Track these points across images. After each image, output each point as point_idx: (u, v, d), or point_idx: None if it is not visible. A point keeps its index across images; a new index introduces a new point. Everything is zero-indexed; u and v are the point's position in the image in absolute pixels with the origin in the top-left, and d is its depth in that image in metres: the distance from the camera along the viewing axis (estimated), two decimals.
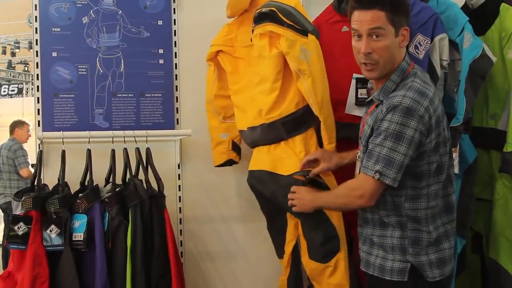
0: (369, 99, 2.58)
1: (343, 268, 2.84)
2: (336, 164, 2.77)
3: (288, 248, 3.04)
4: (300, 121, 2.85)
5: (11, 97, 17.25)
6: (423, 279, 2.40)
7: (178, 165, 3.38)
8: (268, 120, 2.88)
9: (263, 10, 2.81)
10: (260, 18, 2.83)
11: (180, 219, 3.39)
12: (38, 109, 3.21)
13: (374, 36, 2.35)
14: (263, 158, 2.95)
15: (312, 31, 2.79)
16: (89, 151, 3.05)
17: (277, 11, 2.77)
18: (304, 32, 2.77)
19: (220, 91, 3.17)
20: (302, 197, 2.68)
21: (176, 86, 3.38)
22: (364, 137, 2.47)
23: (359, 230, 2.58)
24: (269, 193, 2.93)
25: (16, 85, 17.65)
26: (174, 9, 3.39)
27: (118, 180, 3.04)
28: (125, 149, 3.07)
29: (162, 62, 3.36)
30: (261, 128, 2.92)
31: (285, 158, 2.86)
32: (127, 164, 3.06)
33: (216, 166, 3.22)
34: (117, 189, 2.96)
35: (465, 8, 3.22)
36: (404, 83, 2.39)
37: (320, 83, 2.77)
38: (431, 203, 2.40)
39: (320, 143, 2.87)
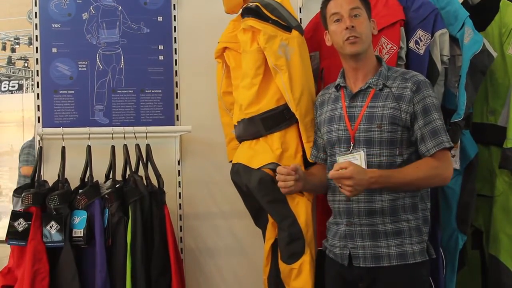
0: (359, 88, 2.59)
1: (308, 271, 2.80)
2: (304, 185, 2.65)
3: (266, 246, 3.02)
4: (279, 117, 2.85)
5: (12, 93, 17.23)
6: (430, 257, 2.55)
7: (178, 162, 3.38)
8: (247, 116, 2.89)
9: (249, 5, 2.85)
10: (245, 13, 2.86)
11: (180, 215, 3.39)
12: (38, 105, 3.21)
13: (354, 16, 2.55)
14: (243, 152, 2.95)
15: (296, 27, 2.81)
16: (89, 147, 3.05)
17: (261, 6, 2.80)
18: (287, 27, 2.80)
19: (228, 88, 3.16)
20: (359, 183, 2.34)
21: (176, 82, 3.38)
22: (380, 118, 2.50)
23: (353, 228, 2.54)
24: (243, 185, 2.93)
25: (17, 81, 17.62)
26: (174, 5, 3.39)
27: (118, 177, 3.04)
28: (125, 145, 3.07)
29: (162, 59, 3.36)
30: (243, 123, 2.93)
31: (261, 153, 2.86)
32: (127, 161, 3.06)
33: (230, 162, 3.20)
34: (117, 186, 2.97)
35: (465, 3, 3.21)
36: (397, 69, 2.66)
37: (299, 79, 2.78)
38: None
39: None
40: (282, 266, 2.86)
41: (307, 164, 2.88)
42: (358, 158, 2.47)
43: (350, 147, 2.54)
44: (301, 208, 2.82)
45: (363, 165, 2.44)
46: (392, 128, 2.49)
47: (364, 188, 2.37)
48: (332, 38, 2.63)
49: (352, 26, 2.52)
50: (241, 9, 2.93)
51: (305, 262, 2.80)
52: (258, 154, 2.87)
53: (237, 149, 3.06)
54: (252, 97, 2.86)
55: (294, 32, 2.81)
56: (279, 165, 2.75)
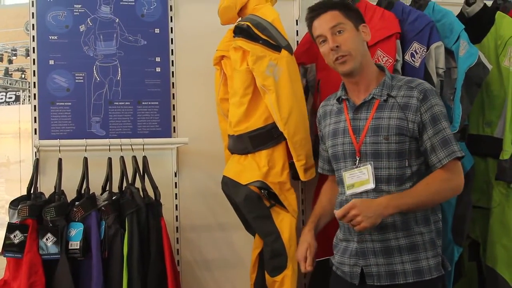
0: (363, 100, 2.51)
1: (289, 285, 2.86)
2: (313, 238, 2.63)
3: (253, 255, 3.08)
4: (267, 136, 2.89)
5: (9, 104, 17.22)
6: (446, 270, 2.48)
7: (175, 173, 3.38)
8: (236, 133, 2.94)
9: (240, 24, 2.89)
10: (236, 33, 2.90)
11: (177, 227, 3.38)
12: (35, 117, 3.20)
13: (337, 33, 2.47)
14: (233, 166, 2.99)
15: (285, 46, 2.85)
16: (85, 159, 3.04)
17: (251, 26, 2.84)
18: (277, 47, 2.83)
19: (226, 95, 3.17)
20: (366, 210, 2.28)
21: (173, 94, 3.39)
22: (386, 129, 2.41)
23: (365, 245, 2.44)
24: (232, 198, 2.99)
25: (14, 93, 17.62)
26: (171, 17, 3.40)
27: (115, 189, 3.04)
28: (122, 157, 3.07)
29: (159, 70, 3.36)
30: (232, 139, 2.99)
31: (249, 169, 2.90)
32: (123, 172, 3.05)
33: None
34: (113, 198, 2.96)
35: (460, 16, 3.23)
36: (402, 77, 2.56)
37: (287, 99, 2.81)
38: None
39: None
40: (267, 276, 2.94)
41: (295, 179, 2.99)
42: (366, 172, 2.43)
43: (356, 161, 2.46)
44: (286, 224, 2.89)
45: (371, 179, 2.40)
46: (399, 139, 2.40)
47: (377, 217, 2.27)
48: (324, 58, 2.56)
49: (337, 46, 2.44)
50: (234, 26, 2.95)
51: (287, 276, 2.88)
52: (246, 170, 2.92)
53: (228, 162, 3.11)
54: (241, 115, 2.91)
55: (284, 52, 2.84)
56: (265, 183, 2.84)
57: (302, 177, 2.89)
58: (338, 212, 2.31)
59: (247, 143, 2.91)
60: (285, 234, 2.86)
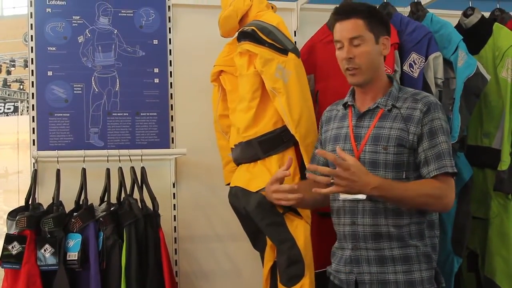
0: (367, 108, 2.49)
1: None
2: (311, 196, 2.50)
3: (265, 270, 2.98)
4: (277, 140, 2.85)
5: (7, 115, 17.25)
6: (439, 286, 2.44)
7: (173, 184, 3.37)
8: (245, 139, 2.89)
9: (245, 29, 2.87)
10: (241, 37, 2.88)
11: (175, 238, 3.37)
12: (33, 128, 3.20)
13: (355, 44, 2.42)
14: (241, 175, 2.94)
15: (292, 49, 2.82)
16: (84, 170, 3.04)
17: (257, 30, 2.82)
18: (284, 50, 2.81)
19: (225, 111, 3.17)
20: (353, 177, 2.24)
21: (171, 105, 3.39)
22: (386, 139, 2.39)
23: (359, 252, 2.44)
24: (242, 208, 2.91)
25: (12, 103, 17.66)
26: (169, 28, 3.41)
27: (113, 199, 3.03)
28: (120, 168, 3.07)
29: (158, 81, 3.37)
30: (240, 146, 2.93)
31: (259, 176, 2.85)
32: (122, 183, 3.05)
33: (227, 185, 3.19)
34: (112, 208, 2.96)
35: (458, 27, 3.24)
36: (409, 90, 2.51)
37: (297, 102, 2.79)
38: None
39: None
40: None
41: None
42: None
43: None
44: (300, 231, 2.80)
45: None
46: (398, 150, 2.37)
47: (359, 188, 2.25)
48: (337, 59, 2.52)
49: (350, 58, 2.41)
50: (237, 33, 2.94)
51: (305, 285, 2.76)
52: (256, 177, 2.86)
53: (234, 172, 3.05)
54: (250, 120, 2.87)
55: (291, 55, 2.82)
56: None
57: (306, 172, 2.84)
58: (338, 151, 2.28)
59: (257, 148, 2.86)
60: (300, 241, 2.77)
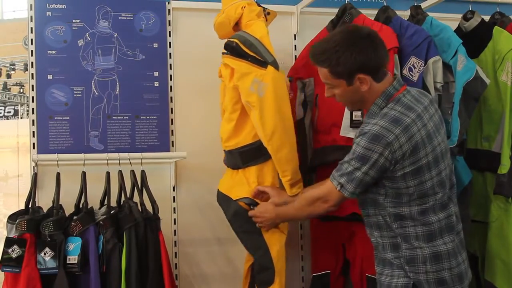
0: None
1: None
2: (285, 201, 2.81)
3: (245, 266, 3.13)
4: (256, 152, 2.91)
5: (7, 118, 17.24)
6: None
7: (173, 188, 3.38)
8: (227, 148, 2.99)
9: (229, 41, 2.90)
10: (225, 48, 2.91)
11: (175, 241, 3.37)
12: (33, 131, 3.21)
13: (329, 87, 2.52)
14: (226, 180, 3.06)
15: (271, 62, 2.84)
16: (84, 173, 3.04)
17: (239, 43, 2.85)
18: (263, 63, 2.83)
19: None
20: (262, 216, 2.83)
21: (171, 108, 3.39)
22: None
23: (375, 252, 2.60)
24: (224, 212, 3.03)
25: (12, 107, 17.66)
26: (169, 32, 3.41)
27: (113, 203, 3.03)
28: (120, 171, 3.07)
29: (158, 85, 3.37)
30: (225, 153, 3.03)
31: (239, 184, 2.95)
32: (122, 187, 3.05)
33: None
34: (111, 212, 2.96)
35: (458, 31, 3.24)
36: (383, 111, 2.41)
37: (272, 116, 2.81)
38: (424, 221, 2.42)
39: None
40: None
41: None
42: None
43: None
44: (275, 240, 2.91)
45: None
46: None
47: (272, 222, 2.83)
48: None
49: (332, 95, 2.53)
50: (224, 43, 2.95)
51: None
52: (236, 185, 2.97)
53: (223, 176, 3.13)
54: (230, 131, 2.94)
55: (270, 68, 2.83)
56: (254, 200, 2.88)
57: (288, 192, 2.88)
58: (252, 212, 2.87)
59: (237, 158, 2.94)
60: (274, 249, 2.88)
